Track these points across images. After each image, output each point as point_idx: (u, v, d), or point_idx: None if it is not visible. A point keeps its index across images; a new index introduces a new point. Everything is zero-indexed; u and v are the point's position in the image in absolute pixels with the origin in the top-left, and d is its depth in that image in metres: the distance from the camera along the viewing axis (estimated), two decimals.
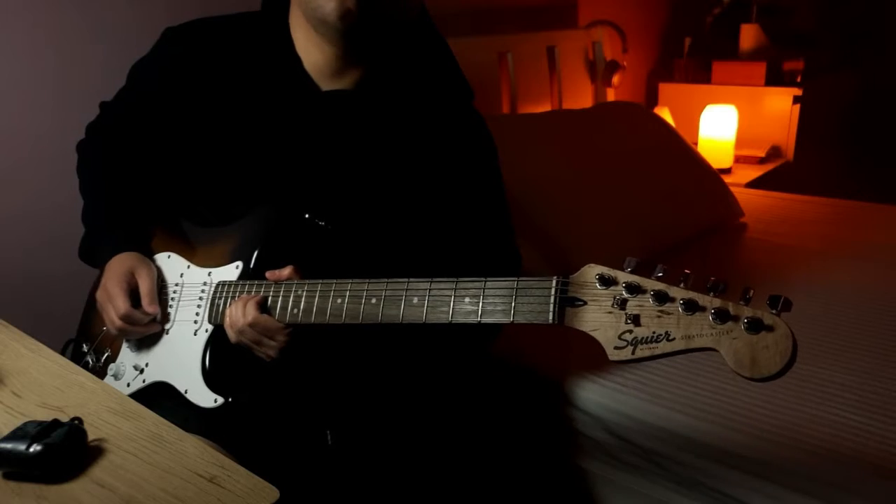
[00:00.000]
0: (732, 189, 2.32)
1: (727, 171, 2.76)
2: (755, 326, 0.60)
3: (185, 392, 0.94)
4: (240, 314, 0.89)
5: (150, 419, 0.79)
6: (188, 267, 1.02)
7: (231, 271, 0.96)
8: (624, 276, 0.66)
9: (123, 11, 1.47)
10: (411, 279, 0.78)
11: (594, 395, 1.34)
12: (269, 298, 0.89)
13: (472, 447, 1.43)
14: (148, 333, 1.00)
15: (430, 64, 1.04)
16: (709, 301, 0.63)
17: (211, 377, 0.94)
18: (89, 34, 1.44)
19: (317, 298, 0.85)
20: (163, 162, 1.07)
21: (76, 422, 0.73)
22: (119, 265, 1.00)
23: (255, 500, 0.65)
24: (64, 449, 0.69)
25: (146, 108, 1.06)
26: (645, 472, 1.30)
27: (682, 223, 2.02)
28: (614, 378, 1.35)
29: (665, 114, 2.84)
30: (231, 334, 0.91)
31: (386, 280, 0.80)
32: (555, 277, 0.69)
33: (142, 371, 1.01)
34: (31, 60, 1.39)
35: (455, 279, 0.75)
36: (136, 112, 1.08)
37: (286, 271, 0.90)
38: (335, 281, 0.84)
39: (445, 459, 1.20)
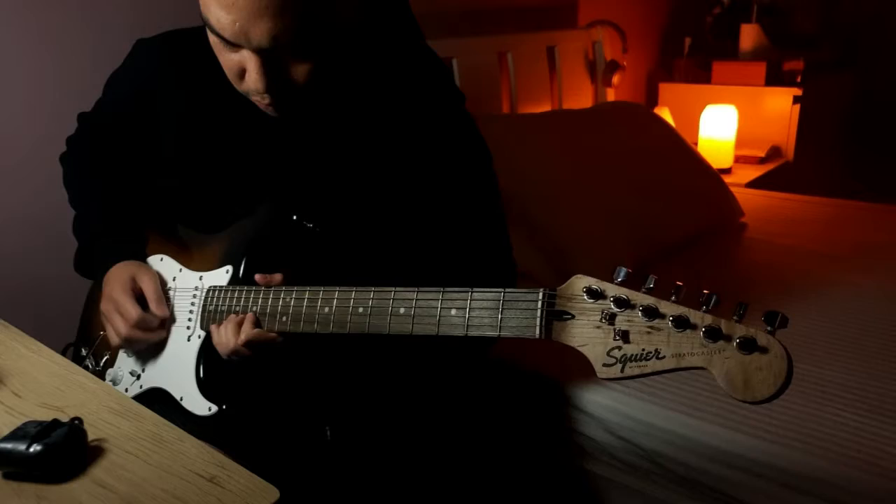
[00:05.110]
0: (732, 189, 2.32)
1: (727, 171, 2.76)
2: (748, 346, 0.57)
3: (181, 399, 0.94)
4: (231, 335, 0.87)
5: (150, 419, 0.79)
6: (180, 270, 1.01)
7: (221, 276, 0.96)
8: (612, 289, 0.64)
9: (123, 12, 1.47)
10: (397, 288, 0.77)
11: (595, 396, 1.34)
12: (258, 308, 0.88)
13: (473, 447, 1.43)
14: (154, 340, 0.98)
15: (418, 69, 1.02)
16: (700, 318, 0.60)
17: (205, 385, 0.93)
18: (89, 34, 1.44)
19: (304, 307, 0.84)
20: (149, 171, 1.07)
21: (76, 422, 0.73)
22: (120, 273, 0.99)
23: (255, 500, 0.65)
24: (64, 449, 0.69)
25: (124, 120, 1.06)
26: (646, 473, 1.30)
27: (682, 223, 2.02)
28: None
29: (665, 114, 2.84)
30: (223, 353, 0.90)
31: (372, 289, 0.78)
32: (541, 290, 0.67)
33: (139, 377, 1.01)
34: (31, 61, 1.39)
35: (441, 289, 0.73)
36: (114, 124, 1.08)
37: (277, 277, 0.89)
38: (322, 288, 0.83)
39: (446, 458, 1.20)
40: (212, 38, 0.84)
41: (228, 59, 0.84)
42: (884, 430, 1.18)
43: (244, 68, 0.83)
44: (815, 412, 1.23)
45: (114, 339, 0.98)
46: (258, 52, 0.80)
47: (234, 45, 0.81)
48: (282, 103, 0.87)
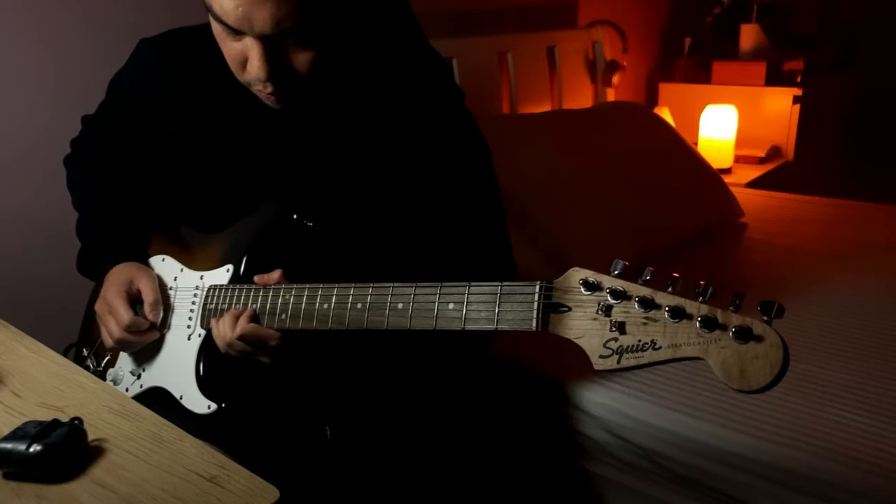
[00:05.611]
0: (732, 189, 2.32)
1: (727, 171, 2.76)
2: (744, 335, 0.58)
3: (181, 398, 0.94)
4: (227, 328, 0.87)
5: (150, 419, 0.79)
6: (181, 270, 1.01)
7: (222, 275, 0.96)
8: (609, 281, 0.64)
9: (123, 12, 1.47)
10: (396, 284, 0.77)
11: (595, 396, 1.34)
12: (258, 306, 0.88)
13: (473, 446, 1.43)
14: (146, 342, 0.98)
15: (418, 67, 1.02)
16: (696, 308, 0.60)
17: (205, 383, 0.93)
18: (90, 34, 1.44)
19: (304, 303, 0.84)
20: (152, 171, 1.07)
21: (76, 422, 0.73)
22: (118, 275, 0.99)
23: (255, 500, 0.65)
24: (64, 449, 0.69)
25: (126, 121, 1.06)
26: (645, 473, 1.30)
27: (682, 223, 2.02)
28: (615, 378, 1.35)
29: (665, 114, 2.84)
30: (220, 346, 0.90)
31: (371, 284, 0.79)
32: (538, 282, 0.67)
33: (139, 376, 1.01)
34: (31, 60, 1.39)
35: (439, 283, 0.74)
36: (117, 125, 1.08)
37: (275, 275, 0.89)
38: (321, 285, 0.83)
39: (446, 458, 1.20)
40: (215, 27, 0.85)
41: (231, 49, 0.84)
42: (884, 430, 1.18)
43: (247, 57, 0.83)
44: (815, 412, 1.23)
45: (107, 341, 0.98)
46: (261, 38, 0.80)
47: (236, 33, 0.81)
48: (284, 93, 0.87)
